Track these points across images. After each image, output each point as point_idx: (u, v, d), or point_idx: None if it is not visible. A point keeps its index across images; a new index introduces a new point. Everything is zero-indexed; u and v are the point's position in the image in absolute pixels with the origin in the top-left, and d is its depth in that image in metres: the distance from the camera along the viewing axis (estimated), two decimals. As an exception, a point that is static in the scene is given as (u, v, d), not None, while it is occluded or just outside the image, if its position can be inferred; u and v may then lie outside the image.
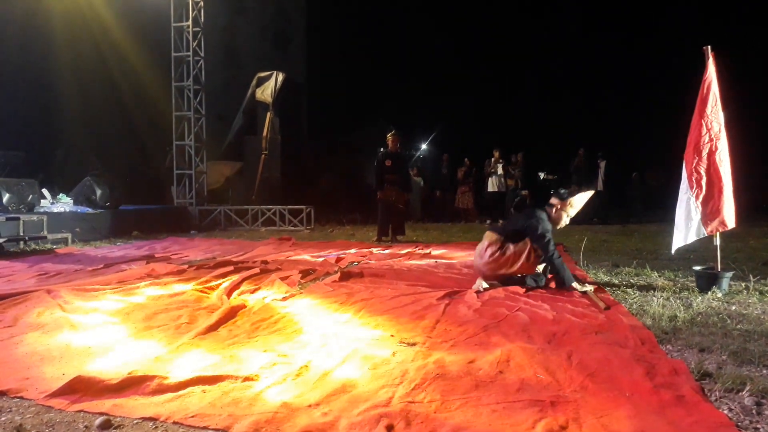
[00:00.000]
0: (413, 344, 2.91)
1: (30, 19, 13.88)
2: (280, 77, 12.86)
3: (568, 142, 14.91)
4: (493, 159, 12.74)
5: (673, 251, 4.48)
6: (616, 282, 4.78)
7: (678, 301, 3.91)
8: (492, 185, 12.68)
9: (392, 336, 3.06)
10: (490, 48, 21.71)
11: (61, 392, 2.16)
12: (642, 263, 5.66)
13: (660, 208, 12.46)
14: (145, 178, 14.09)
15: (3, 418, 2.00)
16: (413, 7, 22.09)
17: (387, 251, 6.92)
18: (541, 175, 13.23)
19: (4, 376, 2.38)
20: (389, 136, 8.41)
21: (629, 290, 4.35)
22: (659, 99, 18.65)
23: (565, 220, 4.55)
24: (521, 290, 4.20)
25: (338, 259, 5.99)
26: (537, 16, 23.41)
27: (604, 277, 5.03)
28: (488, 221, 12.33)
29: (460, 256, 6.45)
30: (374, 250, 7.06)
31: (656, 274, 5.13)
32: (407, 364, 2.57)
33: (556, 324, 3.30)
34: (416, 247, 7.40)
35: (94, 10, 13.07)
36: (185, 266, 5.40)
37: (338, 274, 4.95)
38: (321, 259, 6.00)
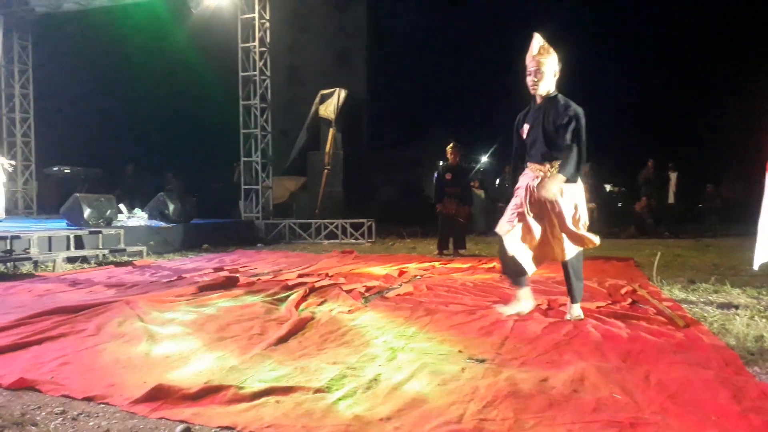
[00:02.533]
0: (482, 360, 2.87)
1: (108, 46, 14.78)
2: (343, 94, 13.08)
3: (636, 152, 14.42)
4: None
5: (755, 267, 4.22)
6: (693, 299, 4.56)
7: (764, 320, 3.69)
8: (557, 195, 12.38)
9: (460, 351, 3.03)
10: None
11: (143, 399, 2.26)
12: (721, 279, 5.37)
13: (738, 223, 11.81)
14: (214, 193, 14.62)
15: (91, 423, 2.11)
16: (472, 20, 22.07)
17: (449, 265, 6.87)
18: (608, 188, 12.82)
19: (91, 382, 2.51)
20: (449, 148, 8.39)
21: (708, 308, 4.14)
22: (736, 105, 17.77)
23: None
24: (592, 306, 4.08)
25: (401, 273, 6.00)
26: (599, 22, 22.88)
27: (680, 294, 4.81)
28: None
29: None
30: (436, 264, 7.03)
31: (737, 290, 4.86)
32: (477, 380, 2.53)
33: (631, 342, 3.18)
34: (479, 261, 7.31)
35: (166, 34, 13.76)
36: (254, 278, 5.55)
37: (402, 288, 4.96)
38: (384, 273, 6.03)
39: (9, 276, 5.77)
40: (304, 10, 19.47)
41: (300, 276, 5.75)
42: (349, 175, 13.06)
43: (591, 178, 12.50)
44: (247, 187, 11.93)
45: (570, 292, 3.82)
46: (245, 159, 11.93)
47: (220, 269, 6.47)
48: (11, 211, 11.75)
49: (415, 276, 5.89)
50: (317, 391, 2.37)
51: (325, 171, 12.83)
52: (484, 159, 17.89)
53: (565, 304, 4.15)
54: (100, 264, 6.94)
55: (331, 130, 12.99)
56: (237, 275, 5.92)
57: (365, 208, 12.58)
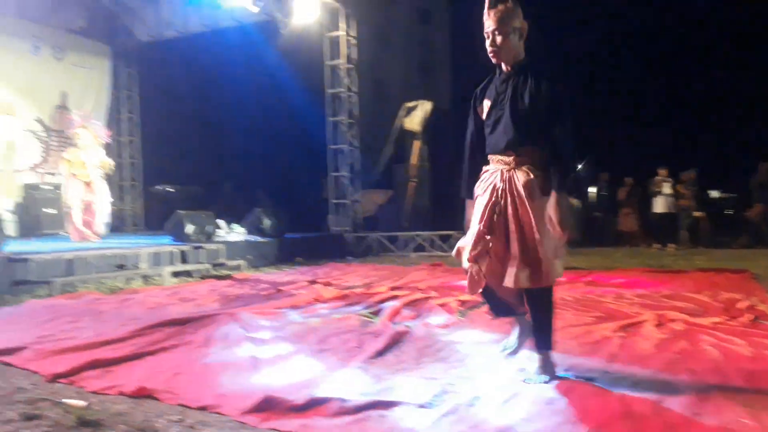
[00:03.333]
0: (590, 379, 2.74)
1: (206, 69, 15.69)
2: (428, 106, 13.11)
3: (746, 155, 13.40)
4: (658, 177, 11.80)
5: None
6: (825, 315, 4.14)
7: None
8: (660, 206, 11.71)
9: (566, 370, 2.90)
10: (650, 59, 20.38)
11: (253, 410, 2.33)
12: None
13: None
14: (304, 207, 15.07)
15: (206, 431, 2.20)
16: (559, 23, 21.48)
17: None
18: (714, 194, 11.99)
19: (203, 391, 2.63)
20: None
21: (844, 325, 3.74)
22: None
23: None
24: (706, 322, 3.80)
25: (495, 286, 5.87)
26: (703, 27, 21.58)
27: (808, 309, 4.38)
28: (657, 245, 11.41)
29: (629, 283, 6.02)
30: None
31: None
32: (586, 400, 2.41)
33: (754, 362, 2.93)
34: (578, 274, 7.03)
35: (258, 56, 14.40)
36: (348, 291, 5.63)
37: (497, 302, 4.85)
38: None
39: (122, 289, 6.19)
40: (388, 24, 19.78)
41: (391, 289, 5.77)
42: (435, 186, 13.03)
43: (693, 185, 11.78)
44: (335, 201, 12.18)
45: (533, 334, 2.87)
46: (333, 174, 12.19)
47: (314, 282, 6.62)
48: (120, 227, 12.64)
49: (510, 289, 5.74)
50: (420, 406, 2.35)
51: (411, 183, 12.86)
52: (579, 166, 17.26)
53: (675, 320, 3.90)
54: (202, 277, 7.29)
55: (417, 142, 13.03)
56: (331, 287, 6.04)
57: (453, 220, 12.49)
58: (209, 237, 8.54)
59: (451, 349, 3.35)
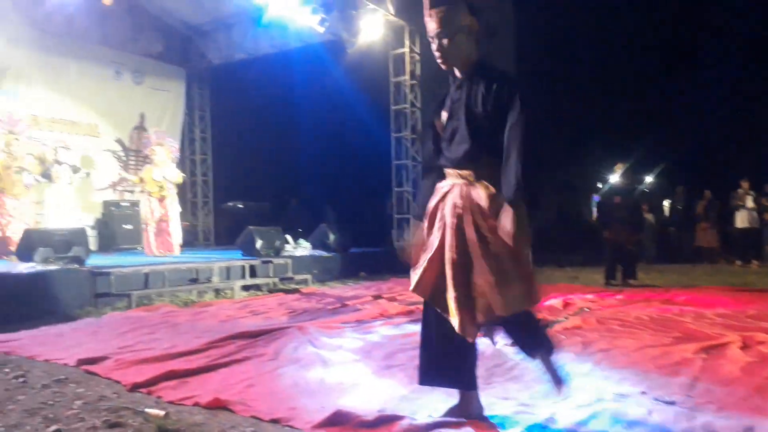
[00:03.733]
0: (671, 403, 2.60)
1: (274, 89, 16.18)
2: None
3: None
4: (740, 190, 11.18)
5: None
6: None
7: None
8: (741, 221, 11.08)
9: (643, 392, 2.77)
10: (727, 65, 19.39)
11: (324, 424, 2.35)
12: None
13: None
14: (368, 222, 15.17)
15: (279, 445, 2.23)
16: (631, 33, 20.82)
17: (619, 297, 6.40)
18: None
19: (275, 404, 2.67)
20: (617, 168, 7.87)
21: None
22: None
23: None
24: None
25: (565, 304, 5.70)
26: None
27: None
28: (739, 262, 10.78)
29: (710, 302, 5.70)
30: (604, 295, 6.58)
31: None
32: (669, 425, 2.30)
33: None
34: (653, 292, 6.73)
35: (324, 74, 14.71)
36: (413, 307, 5.60)
37: (569, 321, 4.70)
38: (547, 304, 5.77)
39: (195, 302, 6.41)
40: (452, 40, 19.75)
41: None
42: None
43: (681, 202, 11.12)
44: (399, 216, 12.21)
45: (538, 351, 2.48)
46: (397, 189, 12.25)
47: (379, 297, 6.64)
48: (192, 242, 13.13)
49: (582, 308, 5.55)
50: (492, 427, 2.30)
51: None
52: (652, 179, 16.56)
53: (764, 342, 3.65)
54: (270, 291, 7.46)
55: (482, 158, 12.90)
56: (395, 303, 6.04)
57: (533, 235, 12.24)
58: (277, 252, 8.74)
59: (523, 368, 3.26)
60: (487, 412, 2.47)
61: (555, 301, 5.88)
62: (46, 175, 8.72)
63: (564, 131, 18.82)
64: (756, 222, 11.04)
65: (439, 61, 2.46)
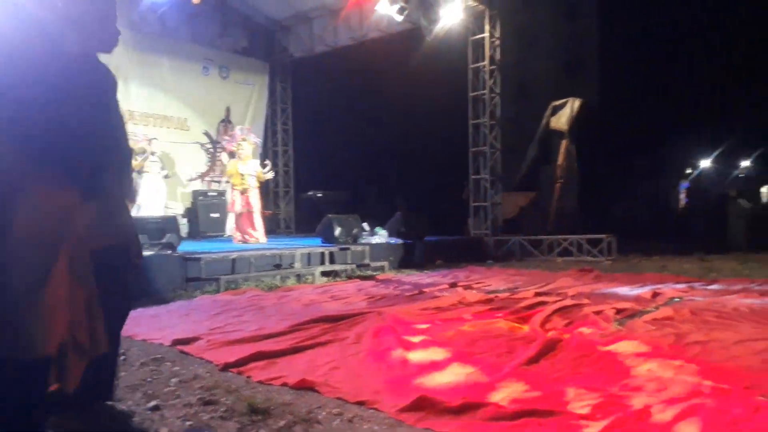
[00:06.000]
0: (780, 401, 2.42)
1: (353, 79, 16.37)
2: (577, 103, 12.53)
3: None
4: None
5: None
6: None
7: None
8: None
9: (747, 388, 2.59)
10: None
11: (408, 408, 2.36)
12: None
13: None
14: (445, 210, 15.11)
15: (365, 427, 2.27)
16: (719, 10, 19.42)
17: (713, 286, 6.04)
18: None
19: (359, 387, 2.71)
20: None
21: None
22: None
23: None
24: None
25: (654, 294, 5.44)
26: None
27: None
28: None
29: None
30: (696, 285, 6.23)
31: None
32: (777, 425, 2.14)
33: None
34: (751, 282, 6.30)
35: (402, 63, 14.72)
36: (492, 295, 5.54)
37: (659, 311, 4.48)
38: (634, 294, 5.53)
39: (278, 286, 6.63)
40: (533, 24, 19.25)
41: (537, 294, 5.58)
42: (583, 188, 12.42)
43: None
44: (476, 204, 12.06)
45: None
46: (474, 176, 12.09)
47: (455, 284, 6.60)
48: (274, 230, 13.57)
49: (673, 298, 5.28)
50: (582, 417, 2.23)
51: (558, 185, 12.37)
52: (746, 163, 15.47)
53: None
54: (348, 277, 7.60)
55: (564, 142, 12.51)
56: (474, 291, 5.98)
57: (601, 223, 11.79)
58: (355, 239, 8.88)
59: (610, 359, 3.15)
60: (577, 403, 2.40)
61: (643, 291, 5.62)
62: (141, 170, 9.36)
63: (653, 117, 17.89)
64: None
65: None
